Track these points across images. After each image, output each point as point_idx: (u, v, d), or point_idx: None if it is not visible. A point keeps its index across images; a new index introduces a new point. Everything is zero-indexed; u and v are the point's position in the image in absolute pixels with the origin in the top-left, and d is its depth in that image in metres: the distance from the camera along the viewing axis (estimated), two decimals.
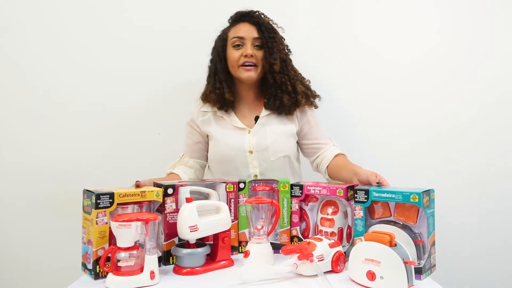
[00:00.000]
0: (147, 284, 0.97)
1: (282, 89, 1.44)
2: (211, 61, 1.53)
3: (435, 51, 1.81)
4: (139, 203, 1.07)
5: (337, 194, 1.15)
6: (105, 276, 0.98)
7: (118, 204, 1.02)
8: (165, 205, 1.11)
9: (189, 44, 1.79)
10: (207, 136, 1.51)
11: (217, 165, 1.50)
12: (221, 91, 1.46)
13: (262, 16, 1.49)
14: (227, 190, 1.21)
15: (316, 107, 1.53)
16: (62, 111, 1.78)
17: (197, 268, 1.07)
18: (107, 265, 0.98)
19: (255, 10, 1.49)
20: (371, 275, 0.93)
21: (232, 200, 1.22)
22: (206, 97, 1.50)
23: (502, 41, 1.82)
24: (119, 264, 0.96)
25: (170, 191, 1.12)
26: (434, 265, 1.05)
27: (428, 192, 1.03)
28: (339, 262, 1.06)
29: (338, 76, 1.81)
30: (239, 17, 1.49)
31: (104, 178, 1.73)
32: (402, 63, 1.82)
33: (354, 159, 1.60)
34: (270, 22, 1.49)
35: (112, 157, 1.79)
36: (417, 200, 1.00)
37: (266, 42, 1.43)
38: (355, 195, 1.11)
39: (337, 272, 1.05)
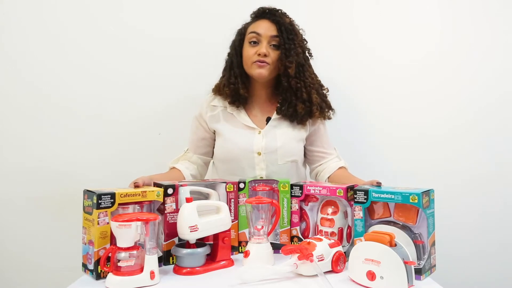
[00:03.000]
0: (147, 284, 0.97)
1: (297, 95, 1.41)
2: (228, 54, 1.50)
3: (435, 51, 1.82)
4: (140, 203, 1.07)
5: (337, 194, 1.15)
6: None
7: (119, 204, 1.02)
8: (165, 205, 1.11)
9: (189, 46, 1.79)
10: (214, 132, 1.49)
11: (223, 164, 1.47)
12: (236, 86, 1.43)
13: (284, 15, 1.45)
14: (227, 190, 1.21)
15: (329, 118, 1.50)
16: (62, 111, 1.78)
17: (197, 268, 1.07)
18: (107, 265, 0.98)
19: (277, 8, 1.45)
20: (371, 275, 0.93)
21: (232, 200, 1.22)
22: (219, 90, 1.48)
23: (503, 41, 1.82)
24: (119, 264, 0.96)
25: (170, 191, 1.12)
26: (434, 266, 1.05)
27: (427, 193, 1.03)
28: (339, 262, 1.06)
29: (337, 76, 1.81)
30: (261, 13, 1.45)
31: (104, 178, 1.72)
32: (402, 63, 1.82)
33: (354, 159, 1.60)
34: (292, 22, 1.45)
35: (112, 157, 1.79)
36: (416, 201, 1.00)
37: (284, 43, 1.39)
38: (355, 196, 1.11)
39: (337, 272, 1.05)
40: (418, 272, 0.99)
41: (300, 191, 1.22)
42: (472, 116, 1.82)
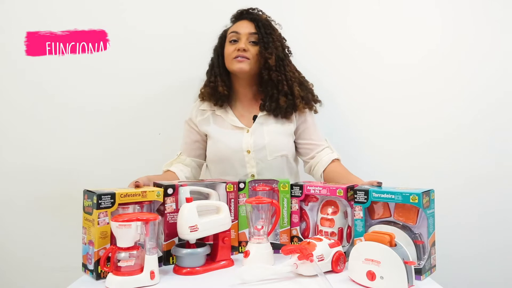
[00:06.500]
0: (147, 284, 0.97)
1: (278, 88, 1.44)
2: (211, 59, 1.55)
3: (436, 52, 1.81)
4: (139, 203, 1.07)
5: (337, 194, 1.15)
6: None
7: (119, 204, 1.02)
8: (165, 205, 1.11)
9: (188, 45, 1.79)
10: (206, 135, 1.52)
11: (215, 165, 1.50)
12: (215, 84, 1.47)
13: (260, 13, 1.51)
14: (227, 190, 1.21)
15: (315, 112, 1.53)
16: (62, 111, 1.78)
17: (197, 268, 1.07)
18: (107, 265, 0.98)
19: (253, 7, 1.51)
20: (371, 275, 0.93)
21: (232, 200, 1.22)
22: (202, 93, 1.52)
23: (503, 42, 1.82)
24: (119, 264, 0.96)
25: (170, 191, 1.12)
26: (434, 266, 1.05)
27: (428, 193, 1.03)
28: (339, 262, 1.06)
29: (339, 77, 1.81)
30: (239, 15, 1.52)
31: (104, 178, 1.72)
32: (402, 64, 1.82)
33: (354, 159, 1.60)
34: (268, 19, 1.50)
35: (112, 157, 1.79)
36: (416, 201, 1.00)
37: (262, 38, 1.44)
38: (355, 196, 1.11)
39: (337, 272, 1.05)
40: (418, 272, 0.99)
41: (300, 191, 1.21)
42: (472, 117, 1.81)
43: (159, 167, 1.52)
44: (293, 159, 1.52)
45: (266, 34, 1.45)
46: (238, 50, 1.42)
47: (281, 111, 1.45)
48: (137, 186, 1.12)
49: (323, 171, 1.46)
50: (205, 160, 1.56)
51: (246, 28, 1.46)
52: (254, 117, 1.49)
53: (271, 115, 1.47)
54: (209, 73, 1.53)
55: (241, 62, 1.43)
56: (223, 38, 1.52)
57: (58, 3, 1.78)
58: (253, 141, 1.44)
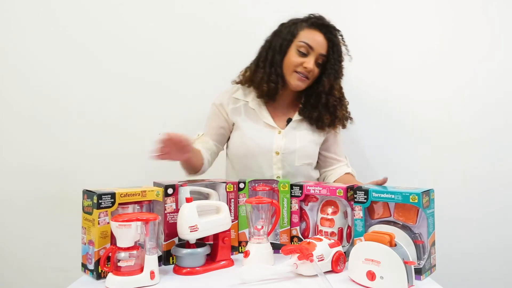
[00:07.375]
0: (147, 284, 0.97)
1: (330, 110, 1.44)
2: (270, 45, 1.45)
3: (435, 50, 1.82)
4: (139, 202, 1.07)
5: (337, 194, 1.15)
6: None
7: (119, 203, 1.02)
8: (165, 205, 1.11)
9: (187, 46, 1.79)
10: (233, 124, 1.48)
11: (240, 159, 1.47)
12: (277, 86, 1.42)
13: (338, 34, 1.44)
14: (227, 190, 1.21)
15: (344, 127, 1.52)
16: (62, 111, 1.78)
17: (197, 268, 1.07)
18: (107, 265, 0.98)
19: (337, 27, 1.44)
20: (371, 275, 0.93)
21: (232, 200, 1.22)
22: (251, 81, 1.45)
23: (503, 41, 1.82)
24: (119, 264, 0.96)
25: (170, 191, 1.12)
26: (434, 265, 1.05)
27: (427, 192, 1.03)
28: (339, 262, 1.06)
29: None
30: (318, 24, 1.42)
31: (104, 178, 1.72)
32: (402, 62, 1.82)
33: (354, 159, 1.60)
34: (341, 43, 1.45)
35: (112, 157, 1.79)
36: (416, 201, 1.00)
37: (334, 64, 1.42)
38: (355, 196, 1.11)
39: (337, 272, 1.05)
40: (418, 272, 0.99)
41: (300, 191, 1.21)
42: (472, 116, 1.82)
43: (159, 167, 1.51)
44: (314, 167, 1.52)
45: (338, 62, 1.43)
46: (305, 68, 1.38)
47: (318, 122, 1.45)
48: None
49: (333, 181, 1.48)
50: (222, 148, 1.53)
51: (320, 46, 1.40)
52: (288, 120, 1.47)
53: (306, 121, 1.46)
54: (269, 67, 1.42)
55: (302, 81, 1.40)
56: (292, 36, 1.41)
57: (59, 4, 1.78)
58: (284, 143, 1.43)
